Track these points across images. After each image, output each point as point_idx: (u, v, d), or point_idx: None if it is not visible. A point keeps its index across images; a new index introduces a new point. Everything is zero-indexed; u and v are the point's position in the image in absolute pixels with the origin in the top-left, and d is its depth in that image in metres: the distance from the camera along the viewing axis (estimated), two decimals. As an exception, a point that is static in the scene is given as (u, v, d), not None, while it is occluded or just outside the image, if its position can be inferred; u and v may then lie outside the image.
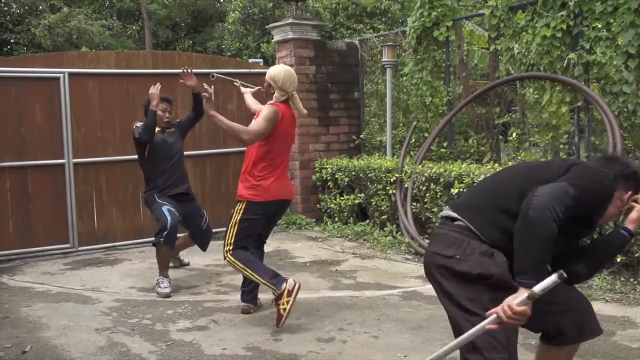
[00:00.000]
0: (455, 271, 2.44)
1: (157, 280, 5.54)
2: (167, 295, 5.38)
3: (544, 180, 2.41)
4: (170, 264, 5.85)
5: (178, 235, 5.69)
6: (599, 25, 5.64)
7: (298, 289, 4.40)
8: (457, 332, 2.51)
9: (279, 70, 4.71)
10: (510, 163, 6.45)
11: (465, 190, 3.05)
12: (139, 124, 5.69)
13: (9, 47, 18.92)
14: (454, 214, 2.56)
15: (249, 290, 4.88)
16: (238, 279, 5.57)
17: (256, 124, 4.45)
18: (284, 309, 4.34)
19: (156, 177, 5.71)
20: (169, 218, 5.45)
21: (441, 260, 2.49)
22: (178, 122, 6.06)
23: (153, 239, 5.57)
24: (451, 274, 2.46)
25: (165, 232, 5.40)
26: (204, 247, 6.06)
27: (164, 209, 5.53)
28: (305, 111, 4.80)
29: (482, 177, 6.02)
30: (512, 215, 2.38)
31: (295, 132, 4.87)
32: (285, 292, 4.36)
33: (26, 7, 18.73)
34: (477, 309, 2.38)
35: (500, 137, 7.68)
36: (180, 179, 5.84)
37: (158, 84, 5.70)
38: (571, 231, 2.49)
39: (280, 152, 4.62)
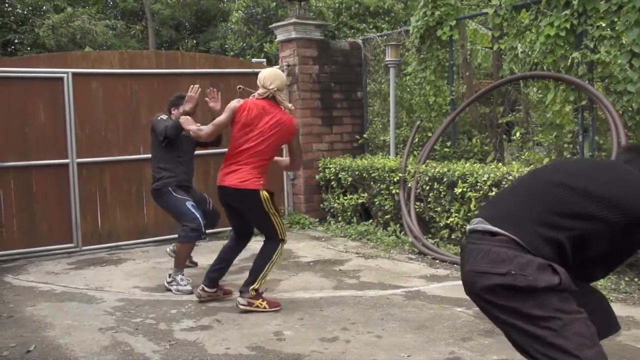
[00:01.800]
0: (517, 287, 2.27)
1: (175, 277, 5.53)
2: (190, 292, 5.38)
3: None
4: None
5: None
6: (603, 24, 5.62)
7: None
8: (524, 343, 2.35)
9: (264, 70, 5.13)
10: (514, 163, 6.45)
11: (491, 200, 2.85)
12: (164, 117, 5.76)
13: (12, 47, 18.94)
14: (495, 228, 2.39)
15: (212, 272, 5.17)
16: (241, 279, 5.58)
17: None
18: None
19: (171, 167, 5.72)
20: (198, 214, 5.55)
21: (495, 280, 2.30)
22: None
23: (179, 234, 5.59)
24: (512, 291, 2.28)
25: (203, 229, 5.54)
26: (213, 227, 6.36)
27: (189, 205, 5.59)
28: (290, 105, 5.11)
29: (485, 176, 6.02)
30: (558, 228, 2.30)
31: (270, 127, 4.85)
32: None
33: (30, 8, 18.75)
34: (548, 312, 2.26)
35: (504, 136, 7.67)
36: (191, 172, 5.95)
37: (198, 87, 5.68)
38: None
39: (241, 142, 4.84)
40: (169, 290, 5.51)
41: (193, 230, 5.50)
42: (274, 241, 4.94)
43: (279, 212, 4.98)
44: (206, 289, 5.11)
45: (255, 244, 7.39)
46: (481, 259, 2.36)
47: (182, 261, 5.63)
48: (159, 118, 5.77)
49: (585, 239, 2.33)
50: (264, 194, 4.79)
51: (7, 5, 18.56)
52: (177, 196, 5.64)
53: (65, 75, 7.19)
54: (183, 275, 5.59)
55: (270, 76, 4.92)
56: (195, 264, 6.39)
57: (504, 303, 2.32)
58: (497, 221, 2.42)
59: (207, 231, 6.08)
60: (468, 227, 2.56)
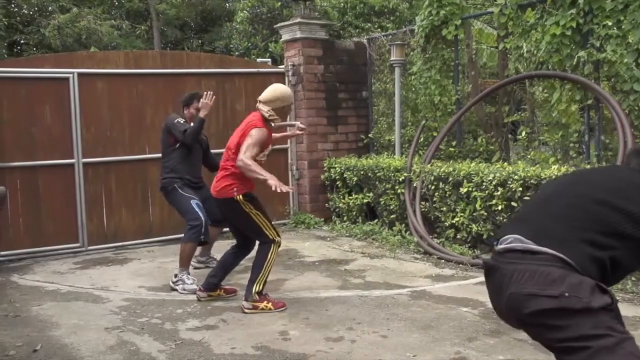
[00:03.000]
0: (572, 310, 2.13)
1: (180, 276, 5.58)
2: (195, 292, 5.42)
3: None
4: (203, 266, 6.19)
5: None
6: (609, 23, 5.61)
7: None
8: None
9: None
10: (520, 162, 6.43)
11: (518, 216, 2.65)
12: (181, 120, 5.82)
13: (19, 47, 19.01)
14: (537, 247, 2.24)
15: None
16: (246, 279, 5.58)
17: None
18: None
19: (179, 167, 5.82)
20: (200, 214, 5.60)
21: (547, 303, 2.14)
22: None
23: (183, 235, 5.68)
24: (565, 313, 2.14)
25: (203, 229, 5.56)
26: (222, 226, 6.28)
27: (193, 203, 5.65)
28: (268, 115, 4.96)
29: (491, 176, 6.01)
30: (602, 246, 2.23)
31: (240, 129, 4.94)
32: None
33: (36, 8, 18.81)
34: (603, 330, 2.14)
35: (510, 136, 7.65)
36: (198, 172, 6.01)
37: (212, 93, 5.82)
38: None
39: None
40: (175, 290, 5.52)
41: (193, 227, 5.56)
42: (266, 244, 4.89)
43: (264, 213, 4.91)
44: (204, 292, 5.16)
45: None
46: (528, 280, 2.19)
47: (186, 260, 5.65)
48: (175, 121, 5.83)
49: (622, 258, 2.27)
50: (239, 197, 4.77)
51: (13, 6, 18.63)
52: (183, 193, 5.72)
53: (71, 75, 7.20)
54: (189, 274, 5.62)
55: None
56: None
57: (557, 325, 2.15)
58: (537, 238, 2.27)
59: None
60: (500, 246, 2.36)
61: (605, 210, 2.29)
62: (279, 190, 4.55)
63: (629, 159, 2.76)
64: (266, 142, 4.87)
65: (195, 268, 6.15)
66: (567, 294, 2.12)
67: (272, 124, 5.00)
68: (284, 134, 5.84)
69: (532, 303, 2.16)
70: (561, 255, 2.19)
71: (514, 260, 2.27)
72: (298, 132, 5.62)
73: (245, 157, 4.63)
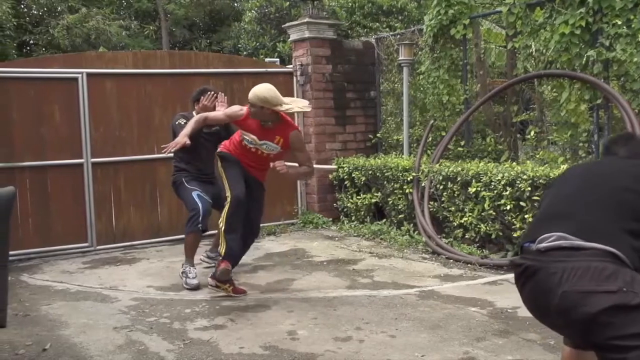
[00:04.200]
0: (628, 306, 2.08)
1: (184, 270, 5.66)
2: (196, 287, 5.50)
3: None
4: (213, 263, 6.18)
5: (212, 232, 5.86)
6: (619, 22, 5.58)
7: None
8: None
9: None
10: (528, 162, 6.41)
11: (549, 213, 2.50)
12: (182, 122, 5.85)
13: (28, 48, 19.11)
14: (584, 242, 2.21)
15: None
16: (255, 277, 5.61)
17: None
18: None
19: (186, 165, 5.89)
20: (199, 204, 5.64)
21: (604, 300, 2.08)
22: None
23: (185, 232, 5.78)
24: (622, 311, 2.08)
25: (200, 218, 5.60)
26: None
27: (194, 194, 5.69)
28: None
29: (499, 176, 5.99)
30: (638, 235, 2.20)
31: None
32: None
33: (45, 9, 18.90)
34: None
35: (518, 135, 7.62)
36: (206, 169, 6.00)
37: (213, 93, 5.95)
38: None
39: None
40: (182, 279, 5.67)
41: (191, 218, 5.65)
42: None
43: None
44: (213, 279, 5.25)
45: (269, 244, 7.43)
46: (581, 277, 2.13)
47: (188, 251, 5.73)
48: (177, 122, 5.90)
49: None
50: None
51: (22, 6, 18.72)
52: (187, 186, 5.79)
53: (79, 75, 7.22)
54: (194, 268, 5.69)
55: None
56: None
57: (612, 322, 2.09)
58: (583, 234, 2.23)
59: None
60: (541, 245, 2.30)
61: (637, 197, 2.27)
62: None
63: (615, 148, 2.75)
64: (239, 125, 5.28)
65: (206, 267, 6.16)
66: (624, 289, 2.08)
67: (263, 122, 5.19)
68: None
69: (589, 301, 2.10)
70: (611, 249, 2.15)
71: (562, 258, 2.22)
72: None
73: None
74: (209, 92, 5.91)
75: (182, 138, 5.31)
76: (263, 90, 5.06)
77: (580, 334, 2.25)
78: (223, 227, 5.12)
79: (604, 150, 2.94)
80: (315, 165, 5.68)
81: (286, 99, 5.19)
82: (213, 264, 6.22)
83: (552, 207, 2.52)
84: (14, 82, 6.95)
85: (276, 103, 5.06)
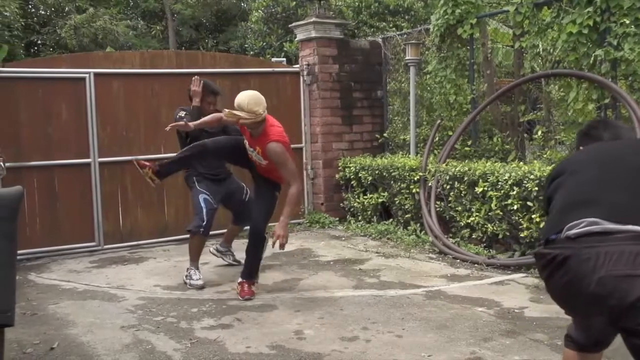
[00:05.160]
0: None
1: (188, 271, 5.70)
2: (201, 287, 5.54)
3: None
4: (224, 261, 6.34)
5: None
6: (627, 21, 5.55)
7: None
8: None
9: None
10: (536, 162, 6.39)
11: (576, 198, 2.43)
12: (182, 114, 5.87)
13: (36, 48, 19.19)
14: (618, 226, 2.18)
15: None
16: (261, 277, 5.61)
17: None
18: None
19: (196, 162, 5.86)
20: (203, 209, 5.66)
21: None
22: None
23: (187, 230, 5.83)
24: None
25: (203, 223, 5.63)
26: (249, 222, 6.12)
27: (201, 198, 5.71)
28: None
29: (506, 175, 5.97)
30: None
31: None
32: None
33: (53, 9, 18.97)
34: None
35: (526, 135, 7.60)
36: (213, 166, 5.92)
37: (197, 77, 5.99)
38: None
39: None
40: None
41: (194, 221, 5.72)
42: None
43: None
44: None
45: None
46: (617, 261, 2.10)
47: (192, 254, 5.75)
48: (177, 116, 5.88)
49: None
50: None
51: (30, 6, 18.80)
52: (197, 187, 5.79)
53: (87, 75, 7.25)
54: (198, 270, 5.71)
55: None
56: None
57: None
58: (614, 218, 2.20)
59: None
60: (571, 232, 2.27)
61: None
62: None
63: (597, 133, 2.75)
64: (241, 129, 5.27)
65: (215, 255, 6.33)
66: None
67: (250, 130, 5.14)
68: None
69: (627, 285, 2.06)
70: None
71: (595, 243, 2.17)
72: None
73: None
74: (194, 78, 5.94)
75: (188, 124, 5.31)
76: (239, 95, 5.04)
77: (612, 319, 2.20)
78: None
79: (583, 136, 2.90)
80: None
81: (260, 108, 4.98)
82: (220, 257, 6.40)
83: (575, 195, 2.45)
84: (21, 82, 6.98)
85: (248, 110, 4.92)
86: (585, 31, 5.83)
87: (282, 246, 4.95)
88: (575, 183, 2.50)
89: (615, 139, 2.70)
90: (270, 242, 5.04)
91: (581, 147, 2.86)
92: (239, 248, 6.11)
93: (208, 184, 5.81)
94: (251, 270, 5.30)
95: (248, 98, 4.97)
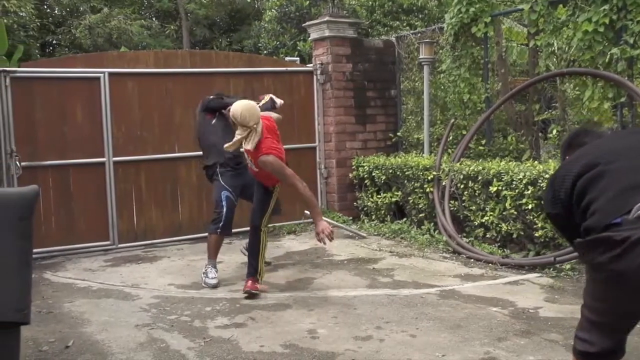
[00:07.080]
0: None
1: (206, 268, 5.73)
2: (215, 287, 5.56)
3: None
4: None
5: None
6: (644, 19, 5.51)
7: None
8: None
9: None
10: (550, 161, 6.35)
11: (633, 182, 2.36)
12: (208, 97, 6.04)
13: (51, 48, 19.33)
14: None
15: None
16: (274, 276, 5.62)
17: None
18: None
19: (213, 156, 5.93)
20: (224, 207, 5.70)
21: None
22: None
23: (207, 231, 5.87)
24: None
25: (221, 223, 5.67)
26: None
27: (224, 195, 5.75)
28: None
29: (521, 175, 5.94)
30: None
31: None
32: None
33: (67, 9, 19.11)
34: None
35: (540, 134, 7.56)
36: (237, 158, 5.91)
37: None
38: None
39: None
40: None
41: (214, 220, 5.74)
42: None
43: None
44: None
45: (290, 242, 7.45)
46: None
47: (211, 251, 5.78)
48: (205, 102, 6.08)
49: None
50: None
51: (45, 7, 18.94)
52: (221, 182, 5.82)
53: (101, 75, 7.29)
54: (215, 268, 5.73)
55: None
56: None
57: None
58: None
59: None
60: (632, 215, 2.22)
61: None
62: None
63: (585, 140, 2.74)
64: None
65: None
66: None
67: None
68: None
69: None
70: None
71: None
72: None
73: None
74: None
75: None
76: (234, 106, 5.08)
77: None
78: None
79: (568, 147, 2.88)
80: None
81: (252, 121, 5.00)
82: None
83: (630, 179, 2.38)
84: (37, 82, 7.03)
85: (243, 123, 4.98)
86: (601, 29, 5.79)
87: (330, 238, 5.01)
88: (623, 169, 2.43)
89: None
90: (320, 243, 5.14)
91: (567, 157, 2.82)
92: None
93: (231, 178, 5.83)
94: (254, 267, 5.33)
95: (242, 109, 5.01)
